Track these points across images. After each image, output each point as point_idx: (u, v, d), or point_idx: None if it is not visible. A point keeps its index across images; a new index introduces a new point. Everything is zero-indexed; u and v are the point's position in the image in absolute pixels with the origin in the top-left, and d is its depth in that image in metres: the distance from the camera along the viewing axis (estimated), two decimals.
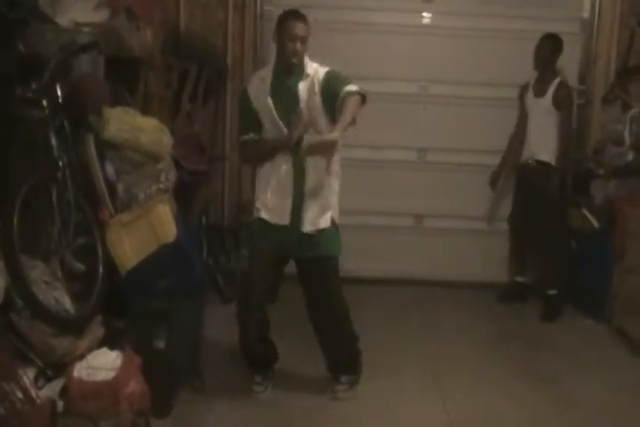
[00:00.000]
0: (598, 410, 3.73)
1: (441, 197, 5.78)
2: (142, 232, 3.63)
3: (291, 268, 3.81)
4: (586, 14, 5.61)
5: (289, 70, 3.60)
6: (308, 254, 3.66)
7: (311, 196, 3.61)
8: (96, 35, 3.70)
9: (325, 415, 3.64)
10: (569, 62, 5.33)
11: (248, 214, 4.10)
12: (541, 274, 5.45)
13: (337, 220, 3.72)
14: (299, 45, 3.53)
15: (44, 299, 3.03)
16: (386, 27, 5.62)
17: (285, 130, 3.58)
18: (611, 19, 5.47)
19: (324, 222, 3.65)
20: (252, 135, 3.70)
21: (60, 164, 3.25)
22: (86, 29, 3.73)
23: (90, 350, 3.13)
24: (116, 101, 3.82)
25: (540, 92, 5.20)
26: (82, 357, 3.06)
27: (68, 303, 3.20)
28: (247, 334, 3.74)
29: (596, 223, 5.18)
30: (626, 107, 5.14)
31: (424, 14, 5.69)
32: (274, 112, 3.59)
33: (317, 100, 3.57)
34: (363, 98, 3.53)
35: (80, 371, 2.95)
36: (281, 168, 3.62)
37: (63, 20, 3.68)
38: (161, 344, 3.49)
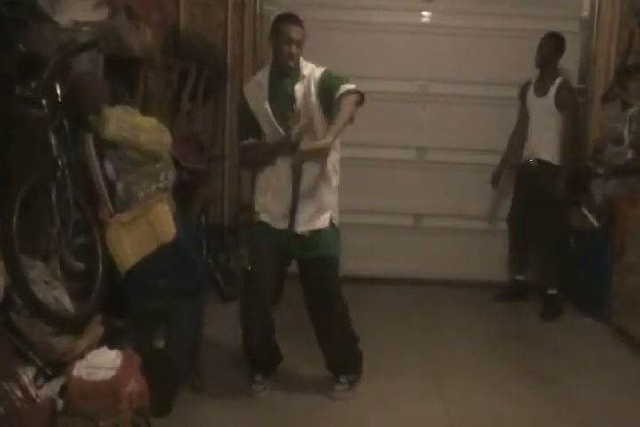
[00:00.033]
0: (598, 410, 3.73)
1: (440, 196, 5.78)
2: (142, 231, 3.63)
3: (293, 267, 3.81)
4: (585, 13, 5.60)
5: (285, 74, 3.60)
6: (308, 254, 3.67)
7: (305, 196, 3.61)
8: (95, 34, 3.71)
9: (325, 415, 3.63)
10: (569, 61, 5.33)
11: (248, 214, 4.09)
12: (541, 273, 5.45)
13: (336, 220, 3.72)
14: (295, 49, 3.53)
15: (43, 298, 3.04)
16: (385, 26, 5.62)
17: (284, 133, 3.59)
18: (610, 18, 5.46)
19: (321, 223, 3.65)
20: (251, 140, 3.70)
21: (60, 163, 3.25)
22: (86, 29, 3.73)
23: (89, 349, 3.13)
24: (115, 101, 3.82)
25: (541, 92, 5.19)
26: (81, 356, 3.05)
27: (67, 302, 3.20)
28: (251, 337, 3.74)
29: (595, 222, 5.18)
30: (625, 105, 5.14)
31: (424, 13, 5.68)
32: (272, 116, 3.60)
33: (314, 100, 3.57)
34: (360, 97, 3.53)
35: (80, 370, 2.95)
36: (280, 171, 3.62)
37: (63, 19, 3.68)
38: (161, 344, 3.49)
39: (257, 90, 3.65)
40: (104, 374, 2.95)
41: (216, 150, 5.56)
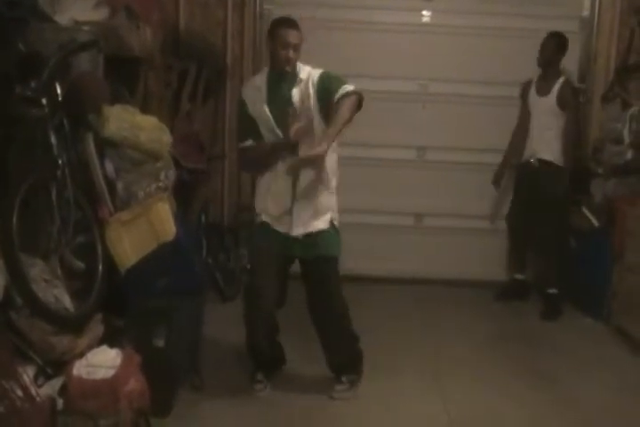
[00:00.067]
0: (598, 409, 3.73)
1: (441, 195, 5.78)
2: (142, 231, 3.62)
3: (295, 267, 3.81)
4: (586, 12, 5.60)
5: (283, 77, 3.60)
6: (309, 255, 3.67)
7: (303, 199, 3.62)
8: (95, 33, 3.70)
9: (325, 415, 3.64)
10: (568, 61, 5.32)
11: (248, 214, 4.09)
12: (541, 273, 5.45)
13: (337, 221, 3.73)
14: (292, 53, 3.53)
15: (43, 297, 3.03)
16: (386, 25, 5.62)
17: (283, 136, 3.60)
18: (610, 17, 5.47)
19: (322, 224, 3.66)
20: (250, 142, 3.70)
21: (60, 162, 3.25)
22: (86, 28, 3.73)
23: (89, 348, 3.13)
24: (115, 100, 3.82)
25: (543, 91, 5.19)
26: (81, 355, 3.06)
27: (67, 301, 3.20)
28: (254, 336, 3.75)
29: (595, 222, 5.18)
30: (625, 105, 5.14)
31: (424, 13, 5.68)
32: (271, 120, 3.59)
33: (313, 102, 3.56)
34: (359, 97, 3.52)
35: (80, 369, 2.95)
36: (279, 176, 3.62)
37: (63, 18, 3.68)
38: (160, 343, 3.49)
39: (256, 94, 3.65)
40: (104, 373, 2.95)
41: (216, 150, 5.56)
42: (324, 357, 3.85)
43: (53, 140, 3.24)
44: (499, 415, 3.64)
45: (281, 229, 3.66)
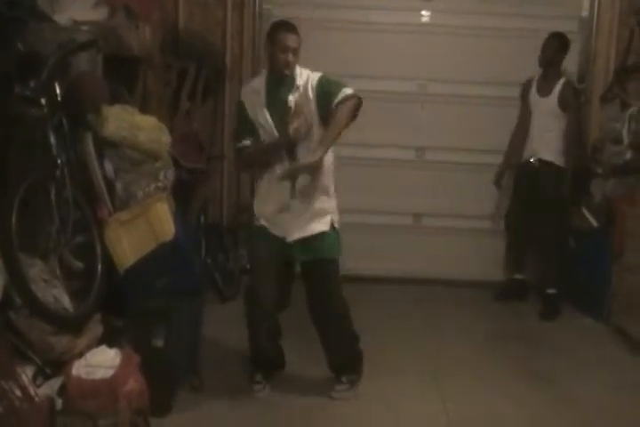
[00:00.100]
0: (598, 409, 3.73)
1: (440, 196, 5.78)
2: (141, 231, 3.62)
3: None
4: (585, 13, 5.60)
5: (282, 81, 3.58)
6: (309, 257, 3.66)
7: (301, 203, 3.61)
8: (95, 33, 3.70)
9: (325, 415, 3.63)
10: (568, 61, 5.30)
11: (247, 216, 4.09)
12: (541, 273, 5.44)
13: (337, 223, 3.72)
14: (291, 57, 3.52)
15: (42, 297, 3.04)
16: (385, 25, 5.62)
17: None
18: (610, 17, 5.46)
19: (322, 226, 3.65)
20: (247, 142, 3.68)
21: (59, 162, 3.25)
22: (85, 28, 3.73)
23: (88, 348, 3.13)
24: (114, 100, 3.82)
25: (544, 92, 5.17)
26: (80, 355, 3.06)
27: (66, 301, 3.21)
28: (256, 338, 3.76)
29: (594, 222, 5.18)
30: (624, 105, 5.13)
31: (423, 13, 5.68)
32: (271, 124, 3.58)
33: (312, 106, 3.55)
34: (358, 101, 3.52)
35: (79, 369, 2.96)
36: (277, 179, 3.61)
37: (62, 18, 3.68)
38: (159, 343, 3.49)
39: (254, 97, 3.64)
40: (103, 374, 2.95)
41: (215, 150, 5.56)
42: (325, 357, 3.84)
43: (52, 139, 3.24)
44: (498, 415, 3.63)
45: (278, 233, 3.66)
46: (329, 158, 3.64)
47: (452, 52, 5.59)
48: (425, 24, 5.71)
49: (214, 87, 5.47)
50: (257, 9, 5.59)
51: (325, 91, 3.53)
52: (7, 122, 3.28)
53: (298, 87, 3.56)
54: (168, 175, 3.90)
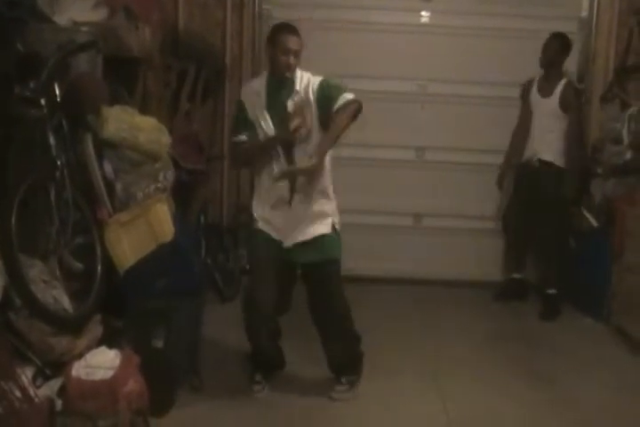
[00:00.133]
0: (598, 409, 3.73)
1: (440, 196, 5.78)
2: (141, 231, 3.63)
3: None
4: (584, 13, 5.60)
5: (282, 84, 3.58)
6: (310, 258, 3.65)
7: (300, 207, 3.60)
8: (94, 34, 3.70)
9: (325, 415, 3.63)
10: (568, 61, 5.30)
11: (246, 216, 4.08)
12: (541, 273, 5.44)
13: (338, 225, 3.72)
14: (292, 59, 3.51)
15: (42, 298, 3.04)
16: (384, 25, 5.62)
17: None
18: (609, 17, 5.46)
19: (323, 228, 3.65)
20: (244, 137, 3.66)
21: (59, 163, 3.25)
22: (84, 28, 3.73)
23: (88, 349, 3.14)
24: (114, 101, 3.82)
25: (546, 92, 5.16)
26: (80, 356, 3.06)
27: (66, 302, 3.21)
28: (256, 339, 3.75)
29: (594, 222, 5.18)
30: (624, 105, 5.13)
31: (422, 13, 5.68)
32: (270, 126, 3.58)
33: (312, 110, 3.54)
34: (358, 106, 3.52)
35: (78, 370, 2.96)
36: (277, 184, 3.60)
37: (61, 19, 3.68)
38: (159, 344, 3.49)
39: (255, 98, 3.62)
40: (103, 374, 2.96)
41: (215, 150, 5.56)
42: (325, 357, 3.84)
43: (52, 140, 3.24)
44: (498, 415, 3.63)
45: (278, 237, 3.65)
46: (327, 161, 3.64)
47: (452, 52, 5.59)
48: (425, 24, 5.71)
49: (214, 88, 5.47)
50: (256, 10, 5.59)
51: (326, 95, 3.52)
52: (7, 122, 3.28)
53: (298, 92, 3.55)
54: (168, 176, 3.90)
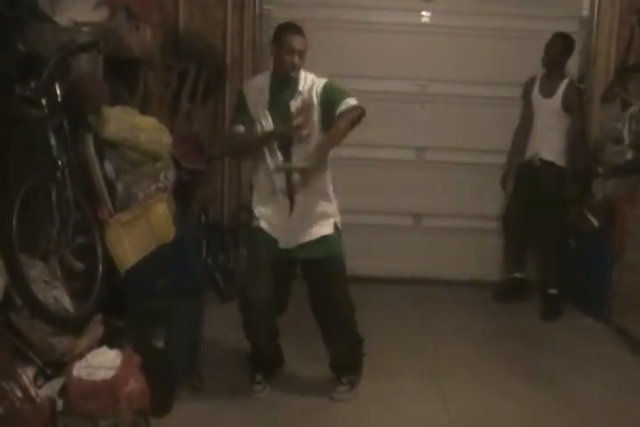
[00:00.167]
0: (598, 409, 3.73)
1: (440, 196, 5.78)
2: (141, 231, 3.63)
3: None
4: (585, 12, 5.59)
5: (286, 84, 3.58)
6: (312, 254, 3.64)
7: (300, 210, 3.61)
8: (95, 34, 3.71)
9: (325, 415, 3.63)
10: (569, 61, 5.31)
11: (247, 214, 4.08)
12: (542, 273, 5.44)
13: (339, 224, 3.72)
14: (297, 59, 3.52)
15: (43, 298, 3.04)
16: (384, 25, 5.61)
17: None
18: (610, 17, 5.46)
19: (326, 229, 3.65)
20: (241, 128, 3.63)
21: (60, 163, 3.25)
22: (85, 29, 3.73)
23: (89, 349, 3.14)
24: (115, 101, 3.82)
25: (547, 92, 5.16)
26: (81, 356, 3.06)
27: (67, 302, 3.21)
28: (254, 339, 3.76)
29: (595, 222, 5.18)
30: (625, 105, 5.12)
31: (423, 13, 5.67)
32: (270, 124, 3.57)
33: (315, 111, 3.55)
34: (361, 112, 3.54)
35: (79, 370, 2.96)
36: (275, 183, 3.60)
37: (62, 19, 3.68)
38: (160, 343, 3.49)
39: (258, 95, 3.62)
40: (104, 374, 2.96)
41: (215, 150, 5.55)
42: (328, 357, 3.84)
43: (53, 140, 3.24)
44: (498, 415, 3.64)
45: (277, 236, 3.65)
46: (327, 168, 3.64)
47: (452, 52, 5.59)
48: (425, 24, 5.71)
49: (215, 88, 5.47)
50: (257, 10, 5.58)
51: (330, 99, 3.53)
52: (8, 122, 3.28)
53: (301, 92, 3.56)
54: (168, 176, 3.91)
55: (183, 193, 4.42)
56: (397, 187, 5.75)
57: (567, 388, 3.98)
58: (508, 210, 5.48)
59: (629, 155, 4.97)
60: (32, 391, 2.83)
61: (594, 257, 5.12)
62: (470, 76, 5.58)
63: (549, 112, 5.14)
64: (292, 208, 3.61)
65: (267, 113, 3.58)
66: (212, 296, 4.88)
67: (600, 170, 5.20)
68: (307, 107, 3.52)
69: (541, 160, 5.17)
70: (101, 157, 3.62)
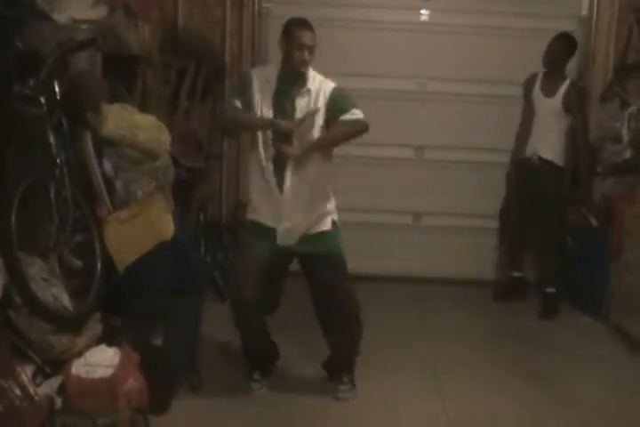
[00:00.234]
0: (596, 408, 3.73)
1: (439, 194, 5.78)
2: (140, 229, 3.63)
3: (292, 265, 3.80)
4: (584, 11, 5.59)
5: (294, 78, 3.56)
6: (309, 249, 3.62)
7: (294, 207, 3.59)
8: (94, 32, 3.71)
9: (325, 415, 3.63)
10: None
11: (242, 209, 4.08)
12: (540, 272, 5.45)
13: (336, 219, 3.72)
14: (307, 55, 3.50)
15: (42, 296, 3.04)
16: (384, 24, 5.61)
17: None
18: (609, 16, 5.46)
19: (324, 226, 3.65)
20: (239, 103, 3.60)
21: (58, 161, 3.25)
22: (84, 26, 3.73)
23: (88, 347, 3.14)
24: (113, 99, 3.82)
25: (548, 92, 5.13)
26: (80, 354, 3.06)
27: (66, 300, 3.21)
28: (246, 337, 3.75)
29: (593, 221, 5.18)
30: (624, 104, 5.13)
31: (422, 11, 5.67)
32: (271, 114, 3.55)
33: (320, 114, 3.54)
34: (363, 128, 3.58)
35: (78, 368, 2.96)
36: (270, 177, 3.58)
37: (61, 16, 3.68)
38: (159, 342, 3.49)
39: (264, 84, 3.58)
40: (102, 372, 2.96)
41: (214, 148, 5.56)
42: (328, 355, 3.84)
43: (52, 138, 3.24)
44: (497, 414, 3.64)
45: (272, 225, 3.61)
46: (324, 166, 3.64)
47: (452, 50, 5.58)
48: (424, 23, 5.70)
49: (213, 86, 5.46)
50: (256, 8, 5.57)
51: (337, 105, 3.53)
52: (6, 121, 3.28)
53: (309, 91, 3.54)
54: (167, 174, 3.90)
55: (182, 191, 4.41)
56: (397, 185, 5.75)
57: (565, 387, 3.98)
58: (507, 208, 5.46)
59: (628, 154, 4.97)
60: (31, 389, 2.83)
61: (592, 256, 5.12)
62: (470, 74, 5.58)
63: (549, 111, 5.13)
64: (281, 189, 3.56)
65: (271, 106, 3.55)
66: (210, 294, 4.86)
67: (599, 169, 5.20)
68: (311, 116, 3.51)
69: (540, 158, 5.17)
70: (100, 155, 3.62)
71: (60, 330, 3.08)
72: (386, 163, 5.76)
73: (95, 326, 3.31)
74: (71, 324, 3.16)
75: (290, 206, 3.58)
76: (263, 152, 3.56)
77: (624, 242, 4.83)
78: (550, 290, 5.23)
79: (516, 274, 5.52)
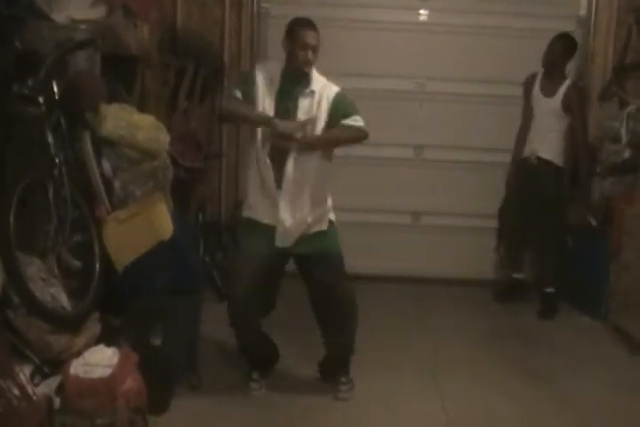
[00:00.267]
0: (595, 408, 3.73)
1: (438, 194, 5.78)
2: (139, 229, 3.62)
3: (289, 265, 3.79)
4: (583, 11, 5.59)
5: (297, 79, 3.54)
6: (307, 251, 3.62)
7: (291, 204, 3.57)
8: (93, 32, 3.71)
9: (324, 414, 3.63)
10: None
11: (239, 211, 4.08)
12: (539, 272, 5.44)
13: (334, 220, 3.71)
14: (310, 54, 3.49)
15: (40, 296, 3.04)
16: (383, 24, 5.61)
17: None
18: (607, 16, 5.46)
19: (322, 226, 3.64)
20: (240, 94, 3.57)
21: (57, 161, 3.25)
22: (83, 26, 3.73)
23: (86, 347, 3.14)
24: (112, 99, 3.82)
25: (548, 92, 5.12)
26: (78, 354, 3.06)
27: (64, 300, 3.21)
28: (243, 337, 3.75)
29: (593, 221, 5.18)
30: (623, 104, 5.13)
31: (421, 11, 5.67)
32: (272, 111, 3.54)
33: (322, 116, 3.54)
34: (362, 137, 3.61)
35: (77, 368, 2.95)
36: (268, 174, 3.57)
37: (60, 16, 3.68)
38: (157, 342, 3.49)
39: (268, 81, 3.56)
40: (101, 372, 2.95)
41: (213, 148, 5.56)
42: (326, 355, 3.83)
43: (50, 138, 3.24)
44: (496, 414, 3.64)
45: (270, 222, 3.60)
46: (325, 166, 3.64)
47: (451, 50, 5.58)
48: (423, 23, 5.70)
49: (212, 86, 5.46)
50: (255, 8, 5.57)
51: (340, 110, 3.54)
52: (5, 121, 3.28)
53: (312, 92, 3.53)
54: (166, 174, 3.90)
55: (181, 191, 4.41)
56: (396, 185, 5.75)
57: (564, 387, 3.98)
58: (506, 208, 5.46)
59: (627, 154, 4.97)
60: (29, 389, 2.83)
61: (591, 256, 5.12)
62: (468, 74, 5.58)
63: (549, 111, 5.13)
64: (279, 185, 3.55)
65: (272, 104, 3.54)
66: (209, 294, 4.86)
67: (597, 169, 5.20)
68: (312, 122, 3.50)
69: (539, 158, 5.16)
70: (99, 155, 3.62)
71: (59, 330, 3.08)
72: (385, 163, 5.75)
73: (94, 326, 3.31)
74: (70, 324, 3.16)
75: (287, 203, 3.56)
76: (261, 147, 3.55)
77: (623, 242, 4.83)
78: (549, 290, 5.22)
79: (516, 275, 5.52)
